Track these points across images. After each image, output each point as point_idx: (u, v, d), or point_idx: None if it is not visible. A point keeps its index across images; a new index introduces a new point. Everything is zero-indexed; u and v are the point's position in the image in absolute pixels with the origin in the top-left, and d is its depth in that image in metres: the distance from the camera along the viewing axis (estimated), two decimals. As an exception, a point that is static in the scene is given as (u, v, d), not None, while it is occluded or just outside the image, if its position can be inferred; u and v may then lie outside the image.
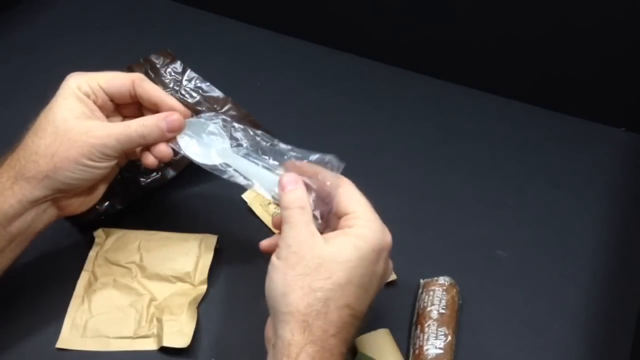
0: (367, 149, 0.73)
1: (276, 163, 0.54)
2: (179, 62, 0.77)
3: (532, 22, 0.73)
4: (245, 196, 0.67)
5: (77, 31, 0.86)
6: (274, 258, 0.47)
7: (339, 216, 0.49)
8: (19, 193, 0.51)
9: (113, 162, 0.53)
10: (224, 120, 0.57)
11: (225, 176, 0.55)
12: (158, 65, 0.76)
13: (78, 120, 0.52)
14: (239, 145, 0.56)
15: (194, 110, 0.74)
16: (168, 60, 0.77)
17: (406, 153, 0.73)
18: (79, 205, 0.56)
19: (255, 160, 0.55)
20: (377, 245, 0.47)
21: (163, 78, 0.76)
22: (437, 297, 0.57)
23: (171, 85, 0.76)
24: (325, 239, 0.47)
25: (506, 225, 0.67)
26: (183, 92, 0.76)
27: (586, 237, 0.66)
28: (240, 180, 0.55)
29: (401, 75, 0.81)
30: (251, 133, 0.56)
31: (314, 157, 0.53)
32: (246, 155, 0.55)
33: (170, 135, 0.54)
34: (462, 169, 0.72)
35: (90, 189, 0.56)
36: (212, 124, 0.57)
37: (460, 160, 0.73)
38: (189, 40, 0.84)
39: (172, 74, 0.77)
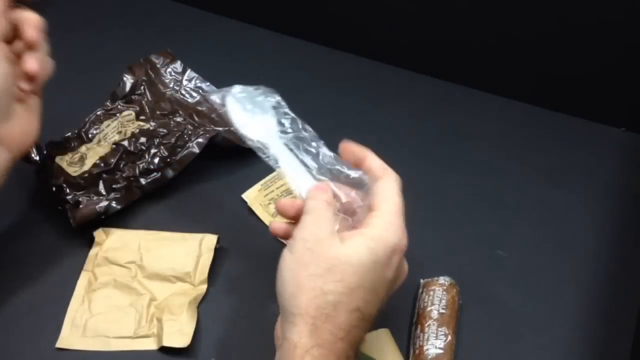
0: (367, 149, 0.73)
1: (315, 165, 0.52)
2: (179, 62, 0.77)
3: (532, 22, 0.73)
4: (245, 196, 0.67)
5: (77, 31, 0.86)
6: (286, 252, 0.46)
7: (370, 211, 0.48)
8: None
9: None
10: (278, 102, 0.55)
11: (259, 153, 0.53)
12: (158, 65, 0.77)
13: None
14: (284, 131, 0.53)
15: (194, 110, 0.74)
16: (168, 60, 0.77)
17: (406, 153, 0.73)
18: (21, 138, 0.55)
19: (296, 154, 0.53)
20: (392, 250, 0.46)
21: (163, 78, 0.76)
22: (437, 297, 0.57)
23: (171, 85, 0.76)
24: (340, 238, 0.46)
25: (506, 225, 0.67)
26: (183, 92, 0.76)
27: (586, 237, 0.66)
28: (272, 164, 0.53)
29: (401, 75, 0.81)
30: (300, 126, 0.54)
31: (355, 174, 0.51)
32: (287, 145, 0.53)
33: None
34: (462, 169, 0.72)
35: (23, 121, 0.55)
36: (267, 100, 0.55)
37: (461, 160, 0.73)
38: (189, 40, 0.84)
39: (172, 74, 0.77)
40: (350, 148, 0.51)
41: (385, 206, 0.48)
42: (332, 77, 0.81)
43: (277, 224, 0.52)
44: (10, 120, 0.54)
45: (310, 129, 0.54)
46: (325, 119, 0.77)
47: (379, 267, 0.45)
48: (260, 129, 0.55)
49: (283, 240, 0.52)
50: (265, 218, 0.66)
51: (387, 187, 0.49)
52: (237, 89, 0.56)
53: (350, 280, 0.44)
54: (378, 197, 0.48)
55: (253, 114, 0.55)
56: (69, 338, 0.57)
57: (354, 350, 0.45)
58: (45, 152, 0.65)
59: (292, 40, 0.85)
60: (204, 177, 0.69)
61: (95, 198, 0.64)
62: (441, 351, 0.54)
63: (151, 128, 0.69)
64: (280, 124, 0.54)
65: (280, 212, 0.52)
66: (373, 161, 0.50)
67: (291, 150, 0.53)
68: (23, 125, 0.55)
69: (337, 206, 0.48)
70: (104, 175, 0.65)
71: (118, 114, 0.71)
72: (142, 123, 0.70)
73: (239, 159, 0.70)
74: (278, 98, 0.55)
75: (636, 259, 0.65)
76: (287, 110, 0.54)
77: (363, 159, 0.50)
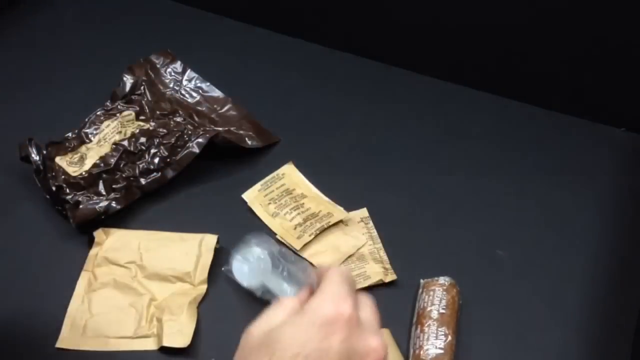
0: (367, 149, 0.73)
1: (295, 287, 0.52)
2: (179, 62, 0.77)
3: (533, 23, 0.73)
4: (245, 196, 0.67)
5: (77, 31, 0.86)
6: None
7: None
8: None
9: None
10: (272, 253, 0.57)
11: (259, 294, 0.55)
12: (158, 65, 0.77)
13: None
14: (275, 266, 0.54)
15: (194, 110, 0.74)
16: (168, 60, 0.77)
17: (406, 153, 0.73)
18: None
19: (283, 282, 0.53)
20: (320, 318, 0.41)
21: (163, 78, 0.76)
22: (437, 297, 0.57)
23: (171, 85, 0.76)
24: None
25: (506, 225, 0.67)
26: (183, 92, 0.76)
27: (586, 237, 0.66)
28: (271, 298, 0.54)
29: (401, 75, 0.81)
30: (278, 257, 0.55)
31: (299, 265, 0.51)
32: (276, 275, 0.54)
33: None
34: (462, 169, 0.72)
35: None
36: (260, 249, 0.57)
37: (461, 160, 0.73)
38: (189, 40, 0.84)
39: (172, 74, 0.77)
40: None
41: (325, 282, 0.43)
42: (332, 77, 0.81)
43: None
44: None
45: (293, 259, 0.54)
46: (325, 119, 0.77)
47: (304, 336, 0.40)
48: (259, 274, 0.56)
49: None
50: (265, 218, 0.66)
51: (330, 275, 0.43)
52: (236, 252, 0.58)
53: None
54: (323, 278, 0.44)
55: (254, 265, 0.57)
56: (69, 338, 0.57)
57: None
58: (45, 152, 0.65)
59: (292, 40, 0.85)
60: (204, 177, 0.69)
61: (95, 198, 0.64)
62: (441, 351, 0.54)
63: (151, 128, 0.69)
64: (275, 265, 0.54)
65: None
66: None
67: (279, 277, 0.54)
68: None
69: None
70: (104, 175, 0.65)
71: (118, 114, 0.71)
72: (142, 123, 0.70)
73: (239, 159, 0.70)
74: (269, 250, 0.56)
75: (636, 259, 0.65)
76: (281, 249, 0.55)
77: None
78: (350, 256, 0.63)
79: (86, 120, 0.70)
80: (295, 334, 0.40)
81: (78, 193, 0.64)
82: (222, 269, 0.61)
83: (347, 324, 0.41)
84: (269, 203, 0.67)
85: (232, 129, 0.72)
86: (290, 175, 0.69)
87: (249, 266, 0.59)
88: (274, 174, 0.69)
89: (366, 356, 0.42)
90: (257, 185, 0.68)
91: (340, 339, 0.41)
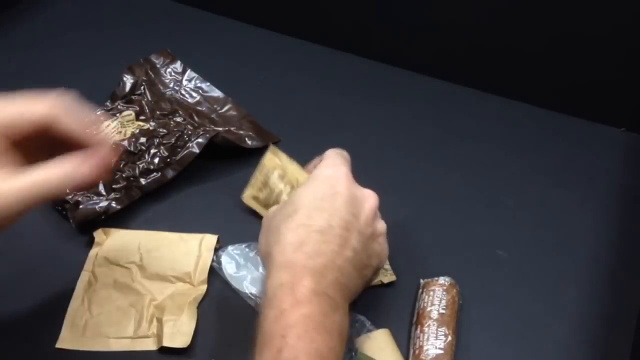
0: (367, 149, 0.73)
1: None
2: (179, 62, 0.77)
3: (532, 23, 0.73)
4: (244, 197, 0.67)
5: (77, 31, 0.86)
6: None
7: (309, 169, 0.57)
8: None
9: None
10: None
11: (251, 303, 0.58)
12: (158, 65, 0.77)
13: None
14: None
15: (194, 110, 0.74)
16: (168, 60, 0.77)
17: (406, 153, 0.73)
18: None
19: None
20: (323, 176, 0.52)
21: (163, 78, 0.76)
22: (437, 297, 0.57)
23: (171, 85, 0.76)
24: None
25: (506, 225, 0.67)
26: (183, 92, 0.76)
27: (586, 237, 0.66)
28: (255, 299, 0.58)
29: (401, 75, 0.81)
30: None
31: None
32: None
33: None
34: (462, 169, 0.72)
35: None
36: (258, 255, 0.60)
37: (460, 160, 0.73)
38: (189, 40, 0.84)
39: (172, 74, 0.77)
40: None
41: (322, 161, 0.55)
42: (332, 77, 0.81)
43: None
44: None
45: None
46: (325, 119, 0.77)
47: (312, 189, 0.51)
48: (255, 283, 0.59)
49: None
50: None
51: (327, 156, 0.56)
52: (230, 247, 0.62)
53: (289, 210, 0.50)
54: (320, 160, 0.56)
55: (247, 270, 0.60)
56: (69, 338, 0.57)
57: (313, 260, 0.47)
58: (45, 152, 0.65)
59: (292, 40, 0.85)
60: (204, 177, 0.69)
61: (95, 198, 0.64)
62: (441, 351, 0.54)
63: (151, 128, 0.69)
64: None
65: None
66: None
67: None
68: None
69: None
70: (104, 175, 0.65)
71: (118, 114, 0.71)
72: (142, 123, 0.70)
73: (239, 159, 0.70)
74: None
75: (636, 259, 0.65)
76: None
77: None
78: (350, 256, 0.63)
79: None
80: (308, 190, 0.51)
81: (78, 193, 0.64)
82: (214, 265, 0.61)
83: (346, 177, 0.52)
84: (266, 198, 0.66)
85: (232, 129, 0.72)
86: (273, 162, 0.65)
87: (237, 265, 0.60)
88: (258, 167, 0.65)
89: (364, 201, 0.52)
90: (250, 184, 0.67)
91: (344, 186, 0.51)
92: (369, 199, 0.52)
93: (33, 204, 0.44)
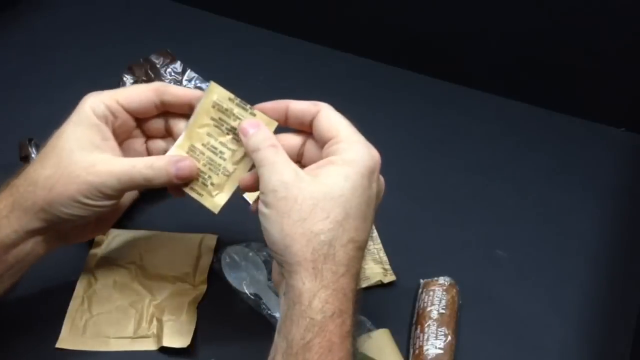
0: (367, 149, 0.73)
1: None
2: (179, 62, 0.77)
3: (532, 23, 0.73)
4: (246, 196, 0.67)
5: (77, 31, 0.86)
6: (262, 207, 0.44)
7: (321, 144, 0.47)
8: (15, 223, 0.48)
9: (113, 202, 0.49)
10: (268, 254, 0.59)
11: (251, 303, 0.58)
12: (158, 65, 0.77)
13: (83, 153, 0.48)
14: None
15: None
16: (168, 60, 0.77)
17: (406, 153, 0.73)
18: (84, 234, 0.55)
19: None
20: (367, 169, 0.45)
21: (163, 78, 0.76)
22: (437, 297, 0.57)
23: (171, 85, 0.76)
24: (311, 174, 0.44)
25: (506, 225, 0.67)
26: (183, 92, 0.76)
27: (586, 237, 0.66)
28: (265, 312, 0.58)
29: (401, 75, 0.81)
30: None
31: None
32: (276, 293, 0.55)
33: (177, 182, 0.49)
34: (462, 169, 0.72)
35: (96, 221, 0.54)
36: (257, 255, 0.60)
37: (460, 160, 0.73)
38: (189, 40, 0.84)
39: (172, 74, 0.77)
40: (267, 107, 0.49)
41: (341, 129, 0.47)
42: (332, 77, 0.81)
43: (245, 177, 0.49)
44: (84, 229, 0.54)
45: None
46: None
47: (361, 191, 0.44)
48: (254, 283, 0.59)
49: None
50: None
51: (329, 113, 0.48)
52: (230, 247, 0.61)
53: (336, 214, 0.43)
54: (326, 125, 0.47)
55: (247, 270, 0.60)
56: (69, 338, 0.57)
57: (355, 282, 0.44)
58: (45, 152, 0.65)
59: (292, 40, 0.85)
60: (204, 177, 0.69)
61: (95, 198, 0.64)
62: (441, 351, 0.54)
63: (151, 128, 0.69)
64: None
65: (246, 187, 0.50)
66: (298, 104, 0.49)
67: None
68: (93, 231, 0.56)
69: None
70: (104, 176, 0.65)
71: (118, 114, 0.71)
72: (142, 123, 0.70)
73: (239, 159, 0.70)
74: (267, 251, 0.58)
75: (636, 259, 0.65)
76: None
77: (286, 109, 0.49)
78: (350, 256, 0.63)
79: (86, 120, 0.70)
80: (355, 187, 0.44)
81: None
82: (214, 265, 0.61)
83: (379, 167, 0.47)
84: None
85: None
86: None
87: (236, 265, 0.61)
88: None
89: (382, 190, 0.48)
90: None
91: (376, 184, 0.46)
92: (382, 189, 0.48)
93: (131, 186, 0.49)
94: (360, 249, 0.45)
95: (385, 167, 0.71)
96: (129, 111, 0.50)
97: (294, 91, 0.80)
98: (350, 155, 0.45)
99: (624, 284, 0.63)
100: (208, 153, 0.50)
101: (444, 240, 0.65)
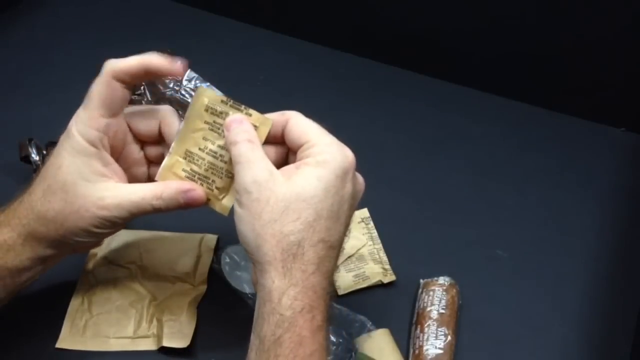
0: (367, 149, 0.73)
1: None
2: (179, 62, 0.77)
3: (532, 22, 0.73)
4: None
5: (77, 31, 0.86)
6: (236, 206, 0.45)
7: (295, 151, 0.47)
8: (30, 251, 0.49)
9: (123, 226, 0.51)
10: None
11: (251, 303, 0.57)
12: (158, 65, 0.76)
13: (89, 185, 0.48)
14: None
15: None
16: (168, 60, 0.77)
17: (406, 153, 0.73)
18: (91, 246, 0.58)
19: None
20: (341, 169, 0.45)
21: (163, 78, 0.76)
22: (437, 297, 0.57)
23: (171, 85, 0.76)
24: (285, 175, 0.45)
25: (506, 225, 0.67)
26: (183, 92, 0.76)
27: (586, 237, 0.66)
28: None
29: (401, 75, 0.81)
30: None
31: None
32: None
33: (185, 207, 0.50)
34: (462, 169, 0.72)
35: None
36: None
37: (460, 160, 0.73)
38: (189, 40, 0.84)
39: (172, 74, 0.76)
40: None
41: (312, 134, 0.47)
42: (332, 77, 0.81)
43: None
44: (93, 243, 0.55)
45: None
46: (325, 119, 0.77)
47: (333, 192, 0.45)
48: (251, 281, 0.58)
49: None
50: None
51: (300, 120, 0.49)
52: (230, 247, 0.61)
53: (307, 215, 0.44)
54: (299, 132, 0.48)
55: (247, 270, 0.60)
56: (69, 338, 0.57)
57: (327, 280, 0.45)
58: (45, 152, 0.65)
59: (292, 40, 0.85)
60: (204, 177, 0.69)
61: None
62: (441, 351, 0.54)
63: (151, 128, 0.69)
64: None
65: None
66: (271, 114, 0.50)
67: None
68: (99, 242, 0.56)
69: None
70: (104, 176, 0.65)
71: (118, 114, 0.71)
72: (142, 123, 0.70)
73: (239, 159, 0.70)
74: None
75: (636, 259, 0.65)
76: None
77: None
78: (349, 257, 0.63)
79: (86, 120, 0.70)
80: (326, 189, 0.44)
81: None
82: (214, 266, 0.61)
83: (354, 167, 0.47)
84: None
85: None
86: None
87: (239, 265, 0.60)
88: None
89: (360, 190, 0.48)
90: None
91: (351, 184, 0.46)
92: (362, 188, 0.49)
93: (141, 214, 0.49)
94: (332, 248, 0.45)
95: (386, 167, 0.72)
96: (114, 115, 0.50)
97: (294, 91, 0.80)
98: (323, 157, 0.45)
99: (624, 284, 0.63)
100: (208, 158, 0.50)
101: (444, 240, 0.65)
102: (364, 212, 0.66)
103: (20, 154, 0.65)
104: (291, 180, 0.45)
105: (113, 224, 0.49)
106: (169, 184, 0.50)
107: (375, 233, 0.65)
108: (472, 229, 0.66)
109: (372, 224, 0.65)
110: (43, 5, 0.89)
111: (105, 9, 0.89)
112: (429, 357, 0.54)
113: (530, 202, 0.69)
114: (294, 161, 0.49)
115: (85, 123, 0.49)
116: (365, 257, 0.63)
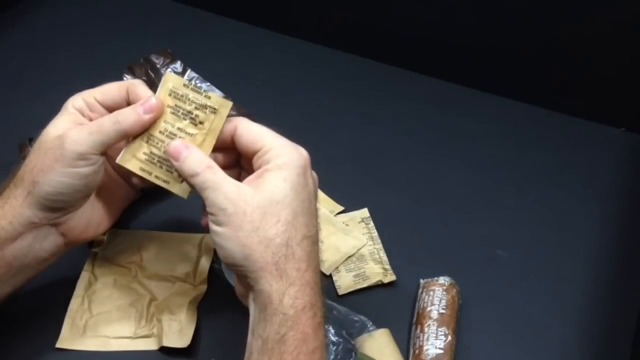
0: (367, 149, 0.73)
1: None
2: (179, 62, 0.77)
3: (532, 23, 0.73)
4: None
5: (77, 31, 0.86)
6: (214, 227, 0.46)
7: (249, 156, 0.49)
8: (8, 214, 0.49)
9: (92, 164, 0.49)
10: None
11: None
12: (158, 65, 0.77)
13: (58, 133, 0.49)
14: None
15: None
16: (168, 60, 0.77)
17: (406, 153, 0.73)
18: (83, 230, 0.54)
19: None
20: (301, 168, 0.47)
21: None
22: (437, 297, 0.57)
23: (171, 85, 0.76)
24: (251, 185, 0.46)
25: (506, 225, 0.67)
26: (183, 92, 0.76)
27: (586, 237, 0.66)
28: None
29: (401, 75, 0.81)
30: None
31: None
32: None
33: (147, 118, 0.49)
34: (462, 169, 0.72)
35: (93, 212, 0.54)
36: None
37: (460, 160, 0.73)
38: (189, 40, 0.84)
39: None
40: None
41: (266, 139, 0.48)
42: (332, 77, 0.81)
43: (205, 218, 0.50)
44: (80, 220, 0.53)
45: None
46: (325, 119, 0.77)
47: (300, 189, 0.47)
48: None
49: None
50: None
51: (248, 127, 0.49)
52: None
53: (286, 214, 0.45)
54: (251, 138, 0.49)
55: None
56: (69, 338, 0.57)
57: (318, 275, 0.47)
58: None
59: (292, 40, 0.85)
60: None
61: (95, 198, 0.64)
62: (441, 351, 0.54)
63: (151, 128, 0.69)
64: None
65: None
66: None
67: None
68: (90, 224, 0.55)
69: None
70: (104, 175, 0.65)
71: (118, 114, 0.71)
72: (142, 123, 0.70)
73: (239, 159, 0.70)
74: None
75: (636, 259, 0.65)
76: None
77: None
78: (350, 256, 0.63)
79: (86, 120, 0.70)
80: (295, 187, 0.46)
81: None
82: (214, 266, 0.61)
83: (309, 162, 0.49)
84: None
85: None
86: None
87: None
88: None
89: (317, 186, 0.50)
90: None
91: (311, 179, 0.48)
92: (317, 181, 0.50)
93: (104, 138, 0.49)
94: (315, 243, 0.47)
95: (386, 167, 0.72)
96: (105, 106, 0.52)
97: (294, 91, 0.80)
98: (282, 159, 0.47)
99: (624, 284, 0.63)
100: (168, 140, 0.50)
101: (444, 240, 0.65)
102: (364, 212, 0.66)
103: (20, 154, 0.65)
104: (260, 188, 0.46)
105: (77, 155, 0.48)
106: (126, 109, 0.50)
107: (375, 233, 0.65)
108: (472, 229, 0.66)
109: (372, 224, 0.66)
110: (43, 5, 0.89)
111: (105, 9, 0.89)
112: (429, 357, 0.54)
113: (530, 202, 0.69)
114: (246, 165, 0.50)
115: (81, 95, 0.52)
116: (366, 257, 0.63)
